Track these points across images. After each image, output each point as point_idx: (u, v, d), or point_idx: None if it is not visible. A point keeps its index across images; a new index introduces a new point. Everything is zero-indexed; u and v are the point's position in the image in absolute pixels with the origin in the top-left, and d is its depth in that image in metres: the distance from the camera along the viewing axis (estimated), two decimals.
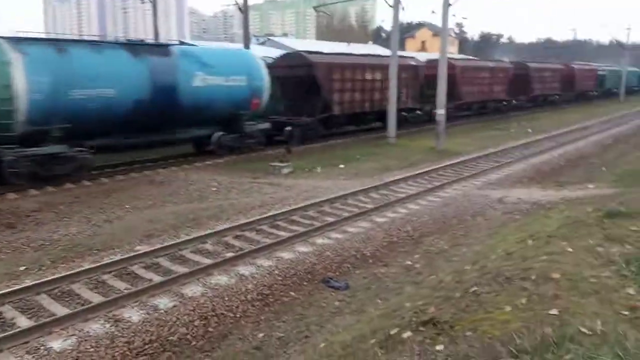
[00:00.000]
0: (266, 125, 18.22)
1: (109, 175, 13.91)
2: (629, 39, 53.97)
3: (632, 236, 4.88)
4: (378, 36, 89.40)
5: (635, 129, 26.97)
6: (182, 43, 29.18)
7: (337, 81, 20.67)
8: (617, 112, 35.76)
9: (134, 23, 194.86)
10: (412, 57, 27.24)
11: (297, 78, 20.16)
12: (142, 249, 8.22)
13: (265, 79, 17.60)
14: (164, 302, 6.39)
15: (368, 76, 22.33)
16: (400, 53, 24.08)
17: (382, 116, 22.19)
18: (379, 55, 26.29)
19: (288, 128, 19.13)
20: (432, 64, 24.24)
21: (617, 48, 60.95)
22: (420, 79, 25.63)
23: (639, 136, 24.00)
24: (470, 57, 48.39)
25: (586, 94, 48.03)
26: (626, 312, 3.31)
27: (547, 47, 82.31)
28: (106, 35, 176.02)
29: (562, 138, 22.42)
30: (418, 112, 26.05)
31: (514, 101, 35.71)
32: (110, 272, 7.26)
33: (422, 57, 31.92)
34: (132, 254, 7.88)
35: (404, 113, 24.53)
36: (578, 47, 69.60)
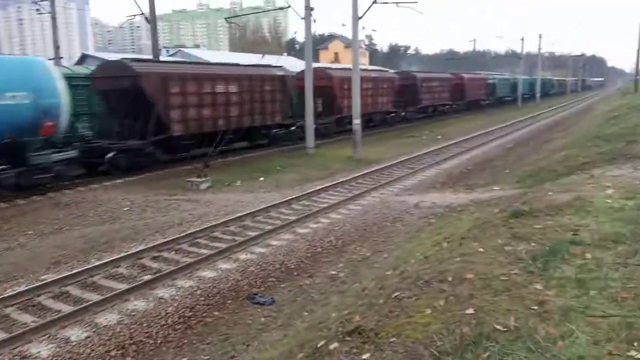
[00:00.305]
0: (71, 154, 14.15)
1: (8, 200, 12.81)
2: (523, 49, 58.63)
3: (536, 234, 5.25)
4: (292, 47, 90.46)
5: (534, 132, 29.25)
6: (84, 56, 27.71)
7: (176, 95, 16.98)
8: (515, 118, 38.57)
9: (32, 35, 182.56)
10: (280, 67, 23.64)
11: (122, 92, 16.08)
12: (49, 277, 7.62)
13: (61, 95, 13.71)
14: (76, 333, 5.95)
15: (220, 89, 18.74)
16: (315, 64, 24.28)
17: (245, 134, 20.45)
18: (237, 65, 22.39)
19: (110, 155, 15.39)
20: (301, 75, 22.19)
21: (513, 57, 66.06)
22: (288, 92, 22.85)
23: (537, 139, 26.04)
24: (379, 68, 50.26)
25: (477, 103, 48.01)
26: (535, 307, 3.53)
27: (449, 58, 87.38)
28: (1, 48, 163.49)
29: (467, 144, 23.83)
30: (292, 127, 23.21)
31: (402, 113, 33.73)
32: (13, 305, 6.65)
33: (333, 67, 32.52)
34: (38, 283, 7.28)
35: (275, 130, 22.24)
36: (478, 57, 74.59)
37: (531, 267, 4.30)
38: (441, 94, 39.43)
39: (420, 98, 35.59)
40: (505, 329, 3.27)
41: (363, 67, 34.11)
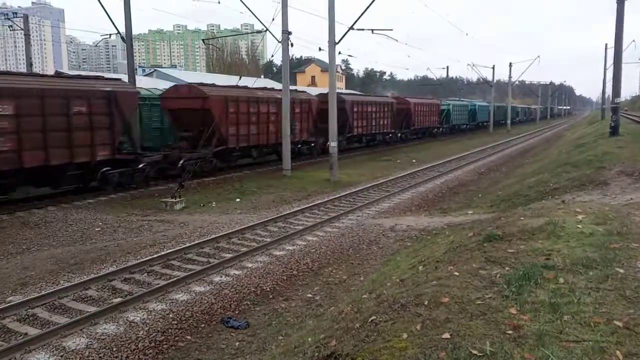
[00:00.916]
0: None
1: None
2: (494, 77, 60.20)
3: (510, 258, 5.32)
4: (269, 70, 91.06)
5: (506, 158, 29.90)
6: (58, 73, 27.41)
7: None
8: (477, 147, 39.40)
9: (3, 52, 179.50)
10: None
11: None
12: (15, 299, 7.36)
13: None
14: (42, 357, 5.74)
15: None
16: (292, 87, 24.73)
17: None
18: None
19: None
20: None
21: (485, 85, 67.80)
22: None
23: (509, 164, 26.61)
24: (356, 92, 51.07)
25: (428, 131, 44.77)
26: (510, 331, 3.56)
27: (423, 84, 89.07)
28: None
29: (442, 168, 24.19)
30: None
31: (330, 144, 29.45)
32: None
33: (314, 91, 32.95)
34: (4, 305, 7.01)
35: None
36: (451, 84, 76.34)
37: (506, 291, 4.35)
38: (380, 121, 34.34)
39: (352, 126, 30.67)
40: (481, 354, 3.28)
41: (340, 90, 34.58)
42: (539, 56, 54.77)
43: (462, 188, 19.01)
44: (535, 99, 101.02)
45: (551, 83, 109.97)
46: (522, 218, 7.34)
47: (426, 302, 4.41)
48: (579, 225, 6.44)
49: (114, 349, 6.03)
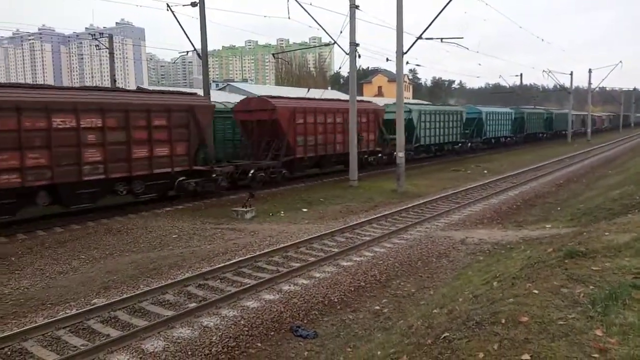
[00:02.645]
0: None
1: (64, 225, 13.38)
2: (572, 83, 57.26)
3: (594, 276, 5.00)
4: (336, 82, 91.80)
5: (587, 169, 28.25)
6: (139, 89, 29.12)
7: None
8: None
9: (91, 69, 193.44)
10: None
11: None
12: (99, 302, 7.83)
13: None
14: (122, 358, 6.04)
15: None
16: (359, 98, 24.86)
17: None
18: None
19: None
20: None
21: (561, 92, 64.59)
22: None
23: (591, 175, 25.11)
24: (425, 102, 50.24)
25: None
26: (596, 355, 3.35)
27: (494, 92, 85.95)
28: (61, 81, 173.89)
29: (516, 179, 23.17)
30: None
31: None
32: (65, 327, 6.86)
33: (380, 102, 32.98)
34: (89, 307, 7.49)
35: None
36: (525, 91, 73.32)
37: (590, 312, 4.09)
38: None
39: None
40: None
41: (406, 100, 34.39)
42: (620, 61, 51.22)
43: (539, 200, 18.13)
44: (617, 106, 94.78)
45: (635, 89, 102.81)
46: (606, 233, 6.90)
47: (503, 321, 4.23)
48: None
49: (189, 353, 6.25)
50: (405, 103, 27.65)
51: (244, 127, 21.40)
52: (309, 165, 22.79)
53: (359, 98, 28.29)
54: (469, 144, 37.79)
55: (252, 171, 19.18)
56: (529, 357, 3.45)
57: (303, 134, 21.26)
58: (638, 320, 3.87)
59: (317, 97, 27.00)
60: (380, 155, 26.88)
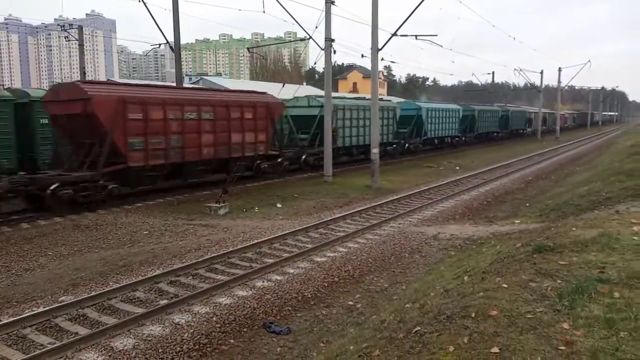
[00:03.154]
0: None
1: (30, 220, 13.02)
2: (542, 82, 58.45)
3: (562, 270, 5.12)
4: (311, 77, 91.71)
5: (555, 165, 28.94)
6: (110, 82, 28.51)
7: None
8: None
9: (59, 61, 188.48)
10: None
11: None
12: (67, 299, 7.65)
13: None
14: (91, 357, 5.91)
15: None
16: (245, 88, 25.20)
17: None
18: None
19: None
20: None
21: (532, 90, 65.95)
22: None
23: (559, 172, 25.72)
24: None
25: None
26: (563, 347, 3.42)
27: (467, 90, 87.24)
28: (29, 74, 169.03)
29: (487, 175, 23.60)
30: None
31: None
32: (31, 325, 6.67)
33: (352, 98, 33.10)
34: (56, 305, 7.30)
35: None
36: (497, 90, 74.62)
37: (558, 305, 4.18)
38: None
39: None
40: None
41: (381, 96, 34.42)
42: (589, 61, 52.56)
43: (509, 196, 18.49)
44: (586, 104, 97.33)
45: (602, 88, 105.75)
46: (573, 229, 7.07)
47: (473, 315, 4.29)
48: (635, 237, 6.14)
49: (160, 350, 6.16)
50: (317, 97, 25.66)
51: (55, 124, 15.48)
52: (158, 176, 16.52)
53: (243, 88, 28.83)
54: (406, 145, 33.09)
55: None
56: (498, 350, 3.51)
57: (141, 135, 15.30)
58: (603, 313, 3.97)
59: (293, 92, 26.75)
60: (280, 160, 21.67)
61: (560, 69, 58.56)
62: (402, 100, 43.20)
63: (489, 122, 47.65)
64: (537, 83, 58.94)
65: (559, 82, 59.69)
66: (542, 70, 56.82)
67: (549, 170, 26.70)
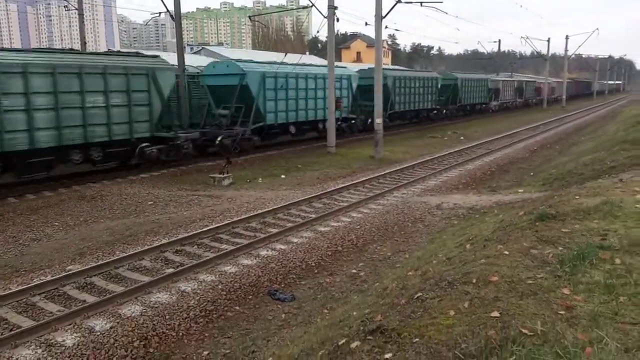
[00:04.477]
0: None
1: (35, 191, 13.11)
2: (549, 51, 57.56)
3: (564, 237, 5.15)
4: (314, 47, 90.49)
5: (560, 135, 28.76)
6: (110, 51, 28.20)
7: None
8: None
9: (60, 31, 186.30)
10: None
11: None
12: (75, 268, 7.78)
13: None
14: (100, 323, 6.05)
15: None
16: (336, 63, 24.41)
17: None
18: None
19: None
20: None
21: (539, 59, 64.97)
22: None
23: (564, 141, 25.58)
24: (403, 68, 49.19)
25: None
26: (563, 312, 3.47)
27: (473, 58, 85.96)
28: (29, 44, 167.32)
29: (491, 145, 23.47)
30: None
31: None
32: (40, 294, 6.81)
33: (355, 68, 31.62)
34: (64, 274, 7.43)
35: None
36: (503, 58, 73.58)
37: (558, 271, 4.22)
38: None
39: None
40: (531, 333, 3.21)
41: (385, 66, 33.72)
42: (597, 29, 51.48)
43: (513, 166, 18.46)
44: (592, 73, 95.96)
45: (610, 57, 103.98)
46: (576, 197, 7.08)
47: (474, 281, 4.34)
48: (638, 205, 6.15)
49: (167, 317, 6.29)
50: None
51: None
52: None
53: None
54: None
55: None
56: (498, 314, 3.56)
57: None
58: (603, 279, 4.01)
59: (296, 62, 25.75)
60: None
61: (567, 37, 57.56)
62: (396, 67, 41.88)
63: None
64: (544, 51, 58.04)
65: (566, 50, 58.73)
66: (549, 39, 55.91)
67: (553, 139, 26.55)
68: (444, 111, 37.18)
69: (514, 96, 53.03)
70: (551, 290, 3.87)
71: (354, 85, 25.95)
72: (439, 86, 35.25)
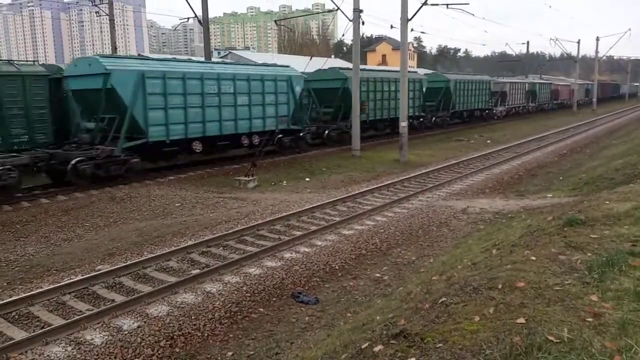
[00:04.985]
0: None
1: (67, 193, 13.47)
2: (579, 52, 56.37)
3: (593, 243, 5.04)
4: (340, 50, 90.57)
5: (591, 139, 28.11)
6: (140, 56, 28.78)
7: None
8: None
9: (91, 36, 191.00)
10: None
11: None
12: (104, 268, 7.96)
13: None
14: (127, 322, 6.18)
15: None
16: (362, 66, 24.47)
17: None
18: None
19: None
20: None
21: (569, 61, 63.65)
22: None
23: (594, 145, 24.99)
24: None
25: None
26: (590, 319, 3.40)
27: (500, 60, 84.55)
28: (62, 49, 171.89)
29: (519, 149, 23.08)
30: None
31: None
32: (70, 293, 7.00)
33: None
34: (93, 273, 7.61)
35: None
36: (532, 60, 72.33)
37: (587, 278, 4.14)
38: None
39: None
40: (558, 340, 3.16)
41: (411, 69, 33.70)
42: (629, 29, 50.22)
43: (541, 170, 18.12)
44: (624, 75, 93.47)
45: None
46: (607, 202, 6.92)
47: (500, 286, 4.29)
48: None
49: (193, 317, 6.39)
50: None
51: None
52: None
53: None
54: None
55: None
56: (524, 321, 3.51)
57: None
58: (633, 286, 3.91)
59: (321, 65, 26.14)
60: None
61: (597, 39, 56.26)
62: (429, 72, 41.04)
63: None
64: (574, 53, 56.84)
65: (597, 52, 57.40)
66: (579, 40, 54.82)
67: (583, 143, 25.95)
68: (433, 119, 32.16)
69: (524, 100, 46.82)
70: (579, 297, 3.80)
71: (425, 87, 29.93)
72: (424, 90, 30.28)
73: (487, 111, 38.98)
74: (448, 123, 33.93)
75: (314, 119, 23.77)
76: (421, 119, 30.41)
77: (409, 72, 20.93)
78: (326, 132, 23.20)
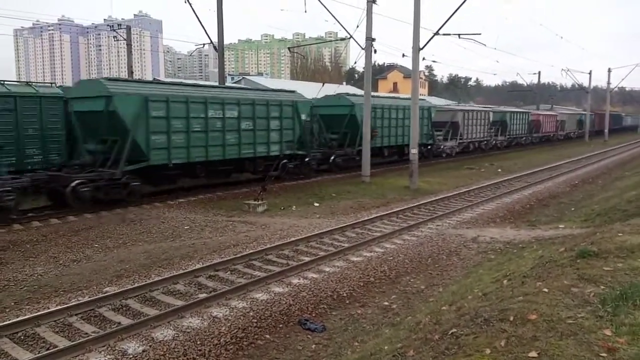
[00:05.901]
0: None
1: (77, 214, 13.56)
2: (590, 83, 56.43)
3: (606, 276, 4.95)
4: (351, 77, 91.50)
5: (603, 169, 27.89)
6: (155, 80, 29.29)
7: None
8: None
9: (109, 61, 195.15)
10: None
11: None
12: (111, 290, 7.95)
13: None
14: (133, 346, 6.13)
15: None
16: (374, 93, 24.66)
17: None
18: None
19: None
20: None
21: (580, 92, 63.72)
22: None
23: (607, 176, 24.78)
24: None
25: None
26: (604, 354, 3.32)
27: (511, 90, 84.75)
28: (79, 73, 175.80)
29: (530, 178, 22.93)
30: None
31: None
32: (77, 314, 6.97)
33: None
34: (101, 295, 7.60)
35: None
36: (543, 90, 72.46)
37: (600, 312, 4.05)
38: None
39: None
40: None
41: (422, 97, 33.92)
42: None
43: (553, 200, 17.95)
44: (637, 107, 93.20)
45: None
46: (620, 234, 6.82)
47: (512, 318, 4.21)
48: None
49: (198, 342, 6.32)
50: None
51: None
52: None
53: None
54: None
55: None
56: (536, 355, 3.43)
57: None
58: None
59: (333, 91, 26.68)
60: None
61: (609, 70, 56.34)
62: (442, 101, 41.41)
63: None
64: (586, 84, 56.91)
65: (609, 83, 57.43)
66: (590, 71, 54.83)
67: (595, 174, 25.74)
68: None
69: (485, 134, 37.44)
70: (592, 331, 3.71)
71: (433, 115, 29.88)
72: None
73: (428, 147, 30.11)
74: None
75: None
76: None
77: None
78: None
